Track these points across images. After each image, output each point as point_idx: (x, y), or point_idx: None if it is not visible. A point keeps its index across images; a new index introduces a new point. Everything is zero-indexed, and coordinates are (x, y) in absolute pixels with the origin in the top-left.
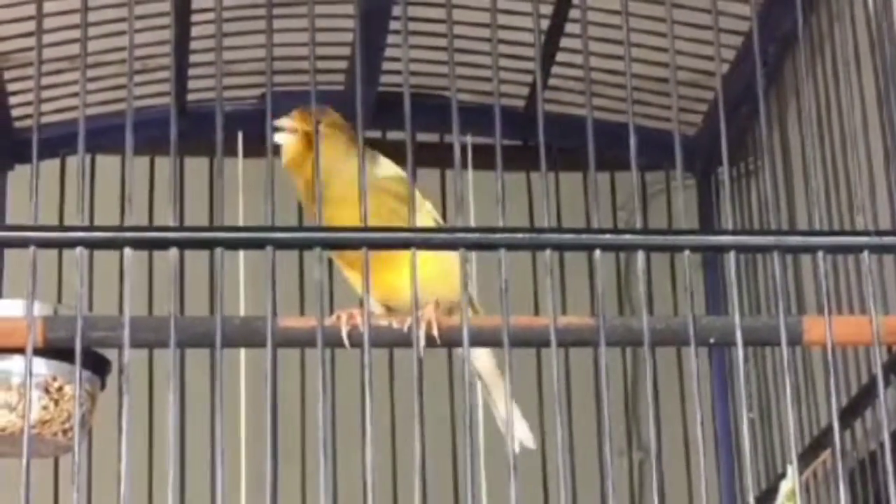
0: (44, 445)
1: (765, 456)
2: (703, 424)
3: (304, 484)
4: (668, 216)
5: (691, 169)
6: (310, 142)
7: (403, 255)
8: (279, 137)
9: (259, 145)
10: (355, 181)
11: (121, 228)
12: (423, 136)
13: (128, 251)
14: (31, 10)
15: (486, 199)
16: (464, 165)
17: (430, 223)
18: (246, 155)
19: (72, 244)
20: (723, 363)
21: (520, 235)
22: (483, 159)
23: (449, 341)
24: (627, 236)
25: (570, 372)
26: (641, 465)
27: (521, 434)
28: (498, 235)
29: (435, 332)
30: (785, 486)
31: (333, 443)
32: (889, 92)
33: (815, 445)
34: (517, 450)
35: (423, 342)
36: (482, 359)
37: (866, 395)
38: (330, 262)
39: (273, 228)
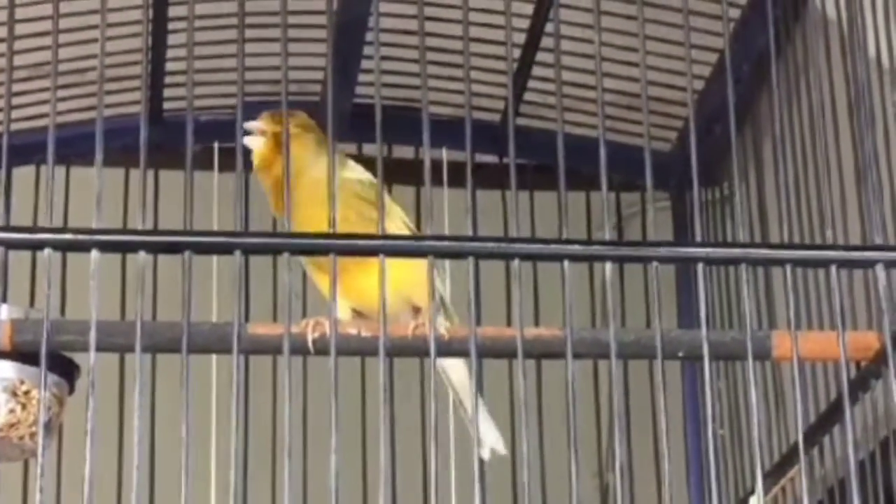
0: (11, 449)
1: (734, 472)
2: (671, 440)
3: (274, 490)
4: (644, 239)
5: (665, 187)
6: (278, 143)
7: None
8: (248, 140)
9: (234, 156)
10: (323, 182)
11: (90, 231)
12: (398, 153)
13: (95, 253)
14: (2, 16)
15: (460, 218)
16: (438, 182)
17: (401, 228)
18: (221, 165)
19: (40, 245)
20: (694, 378)
21: (489, 245)
22: (458, 177)
23: (417, 350)
24: (597, 247)
25: (543, 388)
26: (615, 488)
27: (492, 440)
28: (467, 244)
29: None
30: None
31: (304, 450)
32: (861, 110)
33: (784, 462)
34: (486, 456)
35: (432, 350)
36: (455, 368)
37: (835, 411)
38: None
39: (242, 234)
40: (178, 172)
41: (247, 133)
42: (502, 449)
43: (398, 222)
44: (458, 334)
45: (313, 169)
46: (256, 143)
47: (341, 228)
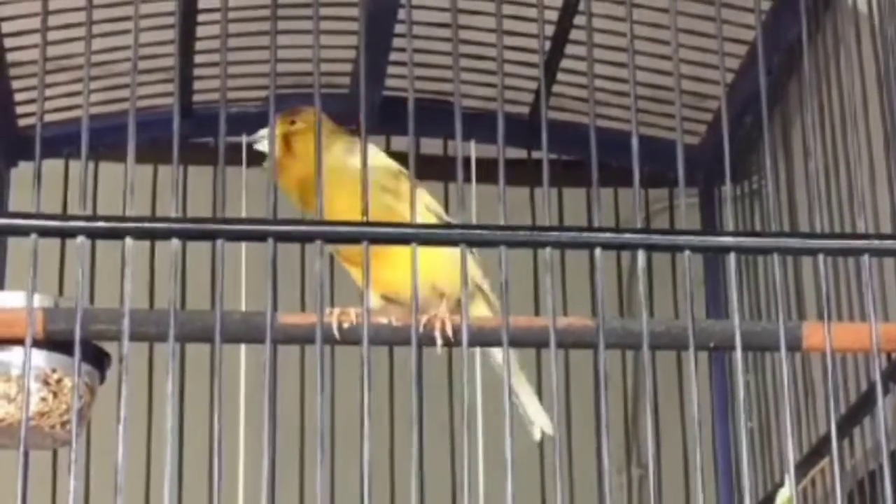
0: (42, 437)
1: (763, 464)
2: (701, 430)
3: (303, 481)
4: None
5: (694, 182)
6: (287, 143)
7: (400, 251)
8: (260, 147)
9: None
10: (333, 171)
11: (123, 218)
12: (426, 150)
13: (129, 241)
14: (36, 6)
15: (489, 212)
16: (467, 178)
17: (429, 218)
18: (249, 160)
19: (73, 233)
20: (723, 370)
21: (521, 233)
22: (486, 173)
23: (447, 340)
24: (628, 235)
25: (570, 379)
26: (641, 483)
27: (542, 421)
28: (499, 233)
29: (449, 332)
30: (782, 496)
31: (332, 441)
32: (892, 97)
33: (814, 454)
34: (538, 437)
35: (440, 342)
36: (497, 351)
37: (865, 403)
38: (332, 258)
39: (274, 221)
40: (206, 168)
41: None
42: (550, 429)
43: (422, 210)
44: (490, 324)
45: (325, 159)
46: (265, 148)
47: (361, 218)
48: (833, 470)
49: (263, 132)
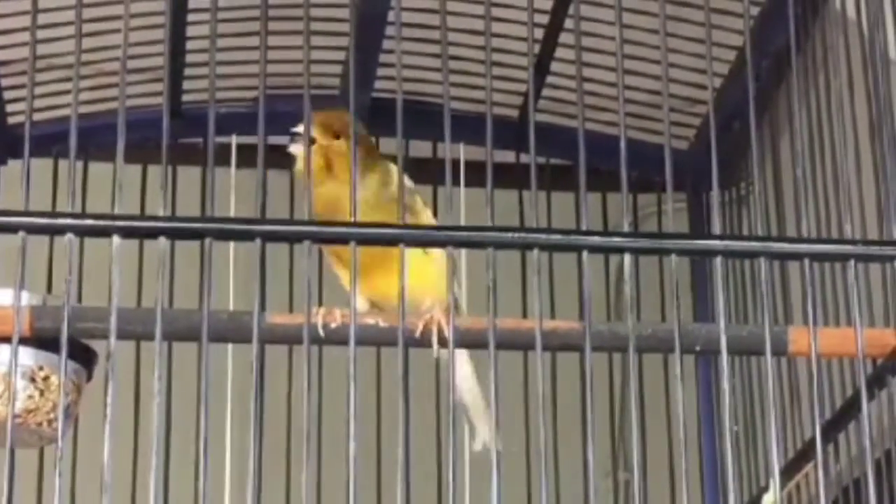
0: (28, 435)
1: (748, 468)
2: (687, 433)
3: (289, 480)
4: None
5: (682, 187)
6: (327, 159)
7: (397, 259)
8: (294, 148)
9: (252, 149)
10: (369, 202)
11: (111, 216)
12: (415, 152)
13: (116, 239)
14: (26, 5)
15: (477, 215)
16: (456, 181)
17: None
18: (238, 161)
19: (61, 231)
20: (708, 374)
21: (508, 235)
22: (475, 176)
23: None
24: (616, 238)
25: (557, 382)
26: (627, 487)
27: (487, 435)
28: (487, 234)
29: (446, 333)
30: (767, 500)
31: (319, 441)
32: (880, 102)
33: (799, 458)
34: (478, 448)
35: (437, 346)
36: (459, 361)
37: (850, 409)
38: (320, 259)
39: (263, 221)
40: (195, 168)
41: (293, 136)
42: (492, 445)
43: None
44: (476, 326)
45: (360, 190)
46: (298, 150)
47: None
48: (818, 475)
49: (300, 130)
